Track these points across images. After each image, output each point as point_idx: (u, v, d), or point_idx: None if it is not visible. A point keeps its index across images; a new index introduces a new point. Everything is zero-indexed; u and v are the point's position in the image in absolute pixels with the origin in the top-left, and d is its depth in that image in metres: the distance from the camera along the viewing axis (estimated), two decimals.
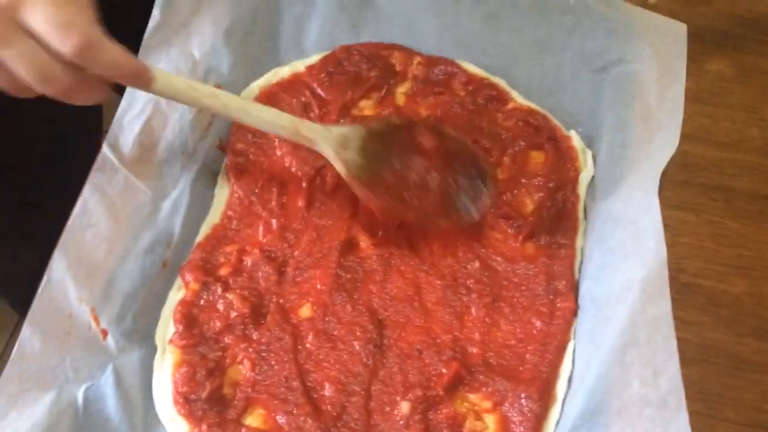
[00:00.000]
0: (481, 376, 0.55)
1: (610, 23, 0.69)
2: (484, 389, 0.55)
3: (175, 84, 0.56)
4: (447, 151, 0.58)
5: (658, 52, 0.66)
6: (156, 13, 0.66)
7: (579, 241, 0.61)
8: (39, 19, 0.47)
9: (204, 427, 0.53)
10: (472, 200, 0.58)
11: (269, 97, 0.67)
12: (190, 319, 0.57)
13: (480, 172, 0.59)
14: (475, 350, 0.57)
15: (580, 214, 0.62)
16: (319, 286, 0.59)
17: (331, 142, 0.58)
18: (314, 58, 0.71)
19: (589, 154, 0.66)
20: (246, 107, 0.58)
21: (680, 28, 0.68)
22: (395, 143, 0.58)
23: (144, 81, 0.54)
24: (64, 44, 0.47)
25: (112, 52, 0.50)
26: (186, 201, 0.62)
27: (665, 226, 0.55)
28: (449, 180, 0.58)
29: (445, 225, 0.59)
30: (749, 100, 0.74)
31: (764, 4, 0.82)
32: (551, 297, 0.58)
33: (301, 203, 0.63)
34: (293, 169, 0.64)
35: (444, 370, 0.55)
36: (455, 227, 0.59)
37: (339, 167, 0.57)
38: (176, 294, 0.59)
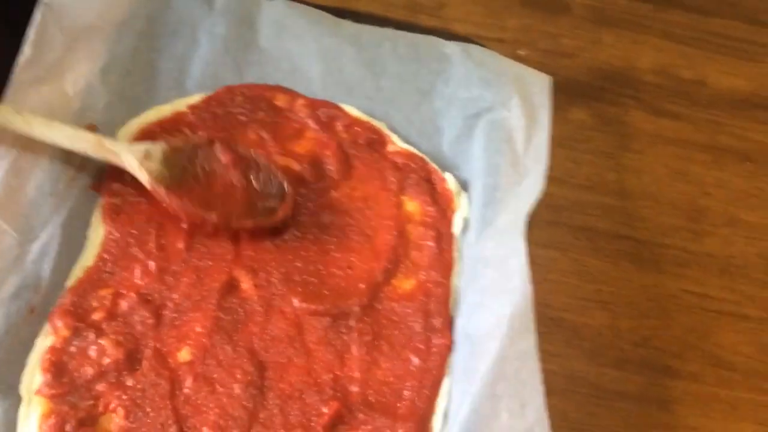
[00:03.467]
0: (361, 414, 0.56)
1: (483, 73, 0.73)
2: (363, 427, 0.56)
3: None
4: (245, 165, 0.64)
5: (525, 102, 0.71)
6: (26, 48, 0.63)
7: (454, 280, 0.64)
8: None
9: None
10: (273, 204, 0.63)
11: (148, 136, 0.66)
12: (59, 366, 0.55)
13: (278, 183, 0.65)
14: (355, 389, 0.58)
15: (455, 254, 0.65)
16: (198, 329, 0.58)
17: (135, 154, 0.61)
18: (197, 98, 0.70)
19: (464, 196, 0.69)
20: (49, 123, 0.60)
21: (545, 80, 0.73)
22: (196, 158, 0.63)
23: None
24: None
25: None
26: (56, 244, 0.59)
27: (534, 263, 0.59)
28: (250, 187, 0.63)
29: (250, 225, 0.63)
30: (607, 146, 0.81)
31: (621, 59, 0.90)
32: (428, 334, 0.60)
33: (180, 245, 0.62)
34: (173, 210, 0.64)
35: (325, 410, 0.56)
36: (259, 226, 0.63)
37: (142, 176, 0.61)
38: (44, 341, 0.56)
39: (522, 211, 0.62)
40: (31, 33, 0.64)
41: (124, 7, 0.70)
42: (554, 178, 0.71)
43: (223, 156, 0.63)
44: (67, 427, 0.53)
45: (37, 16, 0.65)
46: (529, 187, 0.65)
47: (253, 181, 0.63)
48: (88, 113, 0.65)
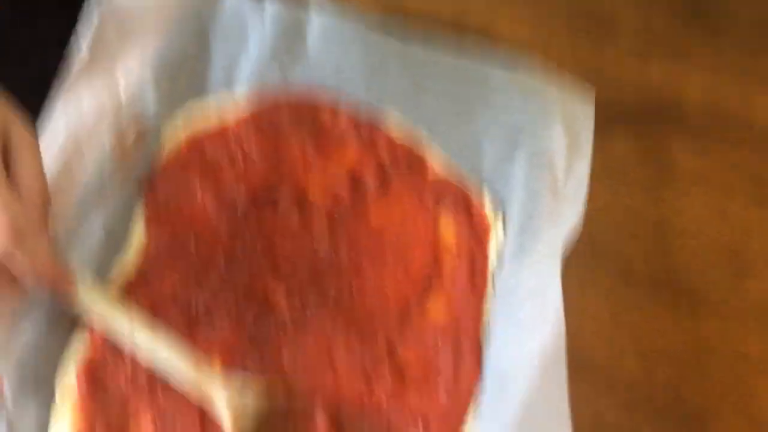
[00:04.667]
0: None
1: (527, 97, 0.72)
2: None
3: (96, 297, 0.56)
4: None
5: (568, 129, 0.70)
6: (81, 43, 0.65)
7: (485, 308, 0.63)
8: None
9: None
10: None
11: (195, 147, 0.67)
12: (93, 370, 0.56)
13: None
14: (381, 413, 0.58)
15: (488, 282, 0.65)
16: (229, 341, 0.59)
17: (229, 391, 0.56)
18: (244, 109, 0.71)
19: (500, 222, 0.69)
20: (152, 340, 0.56)
21: (589, 108, 0.72)
22: (292, 417, 0.56)
23: (64, 288, 0.54)
24: None
25: (37, 255, 0.51)
26: None
27: (564, 300, 0.58)
28: None
29: None
30: (648, 179, 0.79)
31: (668, 90, 0.88)
32: (457, 362, 0.60)
33: (219, 253, 0.63)
34: (213, 218, 0.64)
35: None
36: None
37: (226, 421, 0.54)
38: (81, 343, 0.57)
39: (558, 242, 0.62)
40: (86, 28, 0.66)
41: (177, 5, 0.71)
42: (590, 209, 0.70)
43: (320, 426, 0.56)
44: (97, 431, 0.54)
45: (92, 12, 0.66)
46: (567, 217, 0.64)
47: None
48: (137, 108, 0.66)
